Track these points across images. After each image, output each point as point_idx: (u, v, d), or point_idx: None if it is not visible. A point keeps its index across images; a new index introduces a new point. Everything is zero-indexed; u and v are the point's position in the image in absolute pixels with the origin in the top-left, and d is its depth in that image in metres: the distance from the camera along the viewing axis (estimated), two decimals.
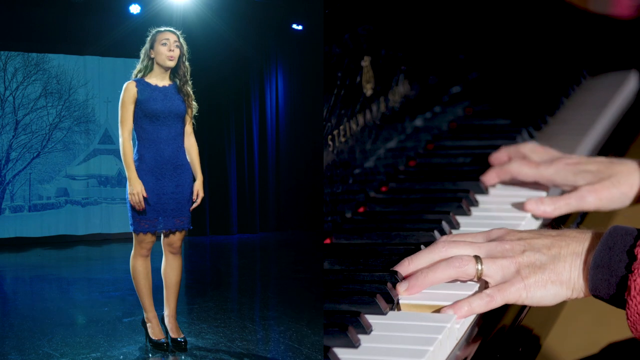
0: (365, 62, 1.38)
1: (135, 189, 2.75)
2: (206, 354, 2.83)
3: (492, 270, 1.05)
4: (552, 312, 1.26)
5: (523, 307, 1.13)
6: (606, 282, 1.00)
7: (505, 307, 1.09)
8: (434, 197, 1.38)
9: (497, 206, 1.36)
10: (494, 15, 1.95)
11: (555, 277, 1.03)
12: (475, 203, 1.35)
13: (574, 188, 1.34)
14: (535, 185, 1.41)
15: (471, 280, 1.06)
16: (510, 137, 1.61)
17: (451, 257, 1.06)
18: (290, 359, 2.77)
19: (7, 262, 5.94)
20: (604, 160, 1.37)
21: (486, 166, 1.48)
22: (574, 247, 1.04)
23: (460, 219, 1.30)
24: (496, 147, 1.56)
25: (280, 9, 7.17)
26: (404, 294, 1.05)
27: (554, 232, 1.10)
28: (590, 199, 1.32)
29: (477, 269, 1.05)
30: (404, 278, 1.07)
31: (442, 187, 1.43)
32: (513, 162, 1.42)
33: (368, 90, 1.39)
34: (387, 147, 1.46)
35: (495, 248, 1.07)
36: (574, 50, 2.03)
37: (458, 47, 1.78)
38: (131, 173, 2.76)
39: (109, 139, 6.88)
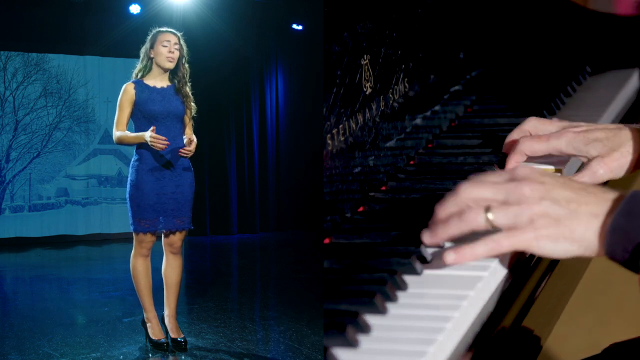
0: (365, 61, 1.38)
1: (146, 136, 2.71)
2: (206, 354, 2.82)
3: (503, 219, 1.04)
4: (552, 313, 1.25)
5: (524, 307, 1.12)
6: (622, 246, 0.99)
7: (506, 308, 1.08)
8: (435, 197, 1.37)
9: None
10: (494, 13, 1.95)
11: (569, 234, 1.01)
12: None
13: (587, 158, 1.35)
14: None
15: (484, 229, 1.05)
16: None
17: (464, 212, 1.06)
18: (290, 359, 2.76)
19: (7, 262, 5.93)
20: (611, 127, 1.37)
21: (486, 165, 1.47)
22: (593, 208, 1.03)
23: None
24: (497, 146, 1.56)
25: (280, 9, 7.17)
26: (428, 242, 1.09)
27: (577, 185, 1.07)
28: (601, 172, 1.33)
29: (488, 218, 1.04)
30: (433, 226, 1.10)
31: (442, 186, 1.42)
32: (522, 142, 1.42)
33: (367, 89, 1.38)
34: (387, 146, 1.46)
35: (514, 191, 1.05)
36: (575, 49, 2.03)
37: (458, 45, 1.78)
38: (134, 137, 2.75)
39: (109, 139, 6.87)
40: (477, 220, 1.05)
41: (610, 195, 1.04)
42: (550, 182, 1.06)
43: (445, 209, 1.10)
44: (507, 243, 1.02)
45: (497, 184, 1.07)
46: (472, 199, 1.08)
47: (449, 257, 1.03)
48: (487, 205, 1.05)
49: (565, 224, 1.02)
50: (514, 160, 1.44)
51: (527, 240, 1.02)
